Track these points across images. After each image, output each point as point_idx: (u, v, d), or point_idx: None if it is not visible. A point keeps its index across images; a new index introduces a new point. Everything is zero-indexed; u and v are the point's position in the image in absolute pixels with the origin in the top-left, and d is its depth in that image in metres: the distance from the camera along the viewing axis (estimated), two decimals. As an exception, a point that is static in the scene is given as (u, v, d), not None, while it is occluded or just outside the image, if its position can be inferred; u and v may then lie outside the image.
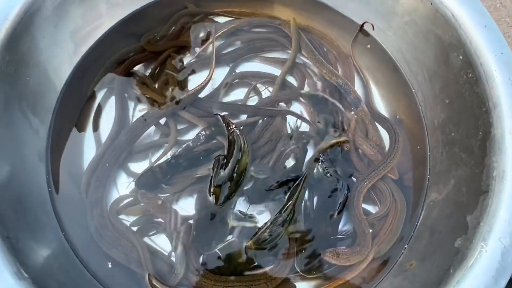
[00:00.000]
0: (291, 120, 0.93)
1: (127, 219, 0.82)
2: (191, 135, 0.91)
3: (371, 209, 0.86)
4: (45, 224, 0.78)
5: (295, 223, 0.79)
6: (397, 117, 0.95)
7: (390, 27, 0.97)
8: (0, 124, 0.76)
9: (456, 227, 0.71)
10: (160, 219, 0.82)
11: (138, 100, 0.94)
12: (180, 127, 0.91)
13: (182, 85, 0.96)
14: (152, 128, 0.91)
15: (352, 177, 0.87)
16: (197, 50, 1.00)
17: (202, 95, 0.94)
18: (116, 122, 0.90)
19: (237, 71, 0.99)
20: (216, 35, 1.01)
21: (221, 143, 0.88)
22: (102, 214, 0.81)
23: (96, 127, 0.92)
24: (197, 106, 0.92)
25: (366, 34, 1.01)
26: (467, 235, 0.68)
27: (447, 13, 0.81)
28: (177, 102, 0.90)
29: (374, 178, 0.84)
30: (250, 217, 0.81)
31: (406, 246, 0.81)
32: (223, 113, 0.90)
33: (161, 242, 0.81)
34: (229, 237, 0.79)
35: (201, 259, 0.78)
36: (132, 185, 0.85)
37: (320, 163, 0.86)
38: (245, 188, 0.83)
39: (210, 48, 0.99)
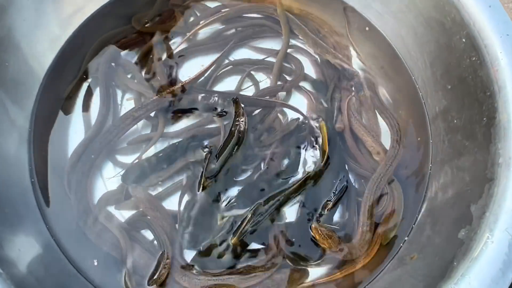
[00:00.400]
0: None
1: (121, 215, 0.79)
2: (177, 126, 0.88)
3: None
4: (25, 217, 0.75)
5: (279, 214, 0.79)
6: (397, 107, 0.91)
7: (389, 10, 0.93)
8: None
9: (460, 217, 0.68)
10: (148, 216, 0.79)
11: (126, 88, 0.91)
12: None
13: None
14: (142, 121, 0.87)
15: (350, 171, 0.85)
16: (187, 34, 0.97)
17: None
18: (100, 112, 0.86)
19: (231, 58, 0.96)
20: (208, 21, 0.98)
21: (205, 132, 0.85)
22: (87, 206, 0.78)
23: (86, 108, 0.88)
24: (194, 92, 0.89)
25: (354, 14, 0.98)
26: (472, 225, 0.65)
27: (450, -7, 0.77)
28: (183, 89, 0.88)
29: (381, 185, 0.81)
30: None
31: (406, 238, 0.78)
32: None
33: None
34: (218, 233, 0.77)
35: (190, 258, 0.75)
36: (119, 179, 0.81)
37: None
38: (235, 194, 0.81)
39: (200, 34, 0.97)
